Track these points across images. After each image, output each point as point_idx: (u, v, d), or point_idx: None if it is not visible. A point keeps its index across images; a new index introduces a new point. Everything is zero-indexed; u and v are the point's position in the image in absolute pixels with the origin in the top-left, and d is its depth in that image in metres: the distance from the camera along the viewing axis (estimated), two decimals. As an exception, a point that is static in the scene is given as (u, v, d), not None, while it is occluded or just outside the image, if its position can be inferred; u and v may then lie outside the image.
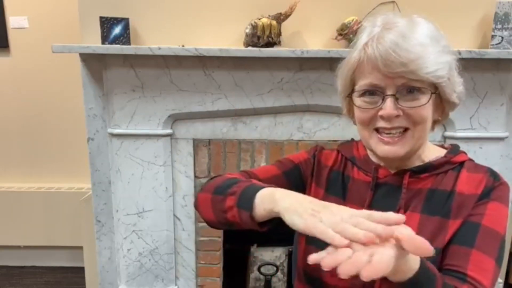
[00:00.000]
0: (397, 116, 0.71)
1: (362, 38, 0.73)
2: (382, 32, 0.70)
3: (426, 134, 0.76)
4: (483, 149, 1.71)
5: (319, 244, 0.78)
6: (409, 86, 0.70)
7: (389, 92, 0.71)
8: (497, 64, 1.62)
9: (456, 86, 0.75)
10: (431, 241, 0.71)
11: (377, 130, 0.74)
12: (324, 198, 0.84)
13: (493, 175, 0.77)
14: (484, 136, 1.70)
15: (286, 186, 0.85)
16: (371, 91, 0.73)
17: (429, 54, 0.69)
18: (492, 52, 1.56)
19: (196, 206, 0.83)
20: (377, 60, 0.69)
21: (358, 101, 0.75)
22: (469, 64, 1.61)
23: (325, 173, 0.88)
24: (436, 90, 0.73)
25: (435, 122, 0.80)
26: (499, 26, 1.60)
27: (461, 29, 1.67)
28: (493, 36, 1.62)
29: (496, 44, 1.62)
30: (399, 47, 0.67)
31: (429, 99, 0.71)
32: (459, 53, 1.52)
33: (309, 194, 0.85)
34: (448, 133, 1.71)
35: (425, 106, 0.71)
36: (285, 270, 1.93)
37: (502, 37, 1.61)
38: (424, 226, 0.74)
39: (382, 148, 0.74)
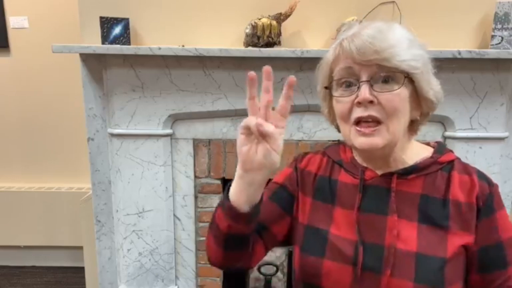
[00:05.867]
0: (372, 102, 0.71)
1: (341, 36, 0.75)
2: (359, 29, 0.73)
3: (401, 129, 0.75)
4: (483, 149, 1.71)
5: (313, 252, 0.80)
6: (383, 73, 0.71)
7: (364, 79, 0.72)
8: (497, 64, 1.62)
9: (432, 84, 0.76)
10: (434, 251, 0.72)
11: (356, 124, 0.74)
12: (312, 205, 0.85)
13: (484, 179, 0.78)
14: (484, 136, 1.70)
15: (277, 209, 0.86)
16: (348, 83, 0.74)
17: (403, 45, 0.71)
18: (492, 52, 1.56)
19: (207, 256, 0.83)
20: (352, 52, 0.71)
21: (336, 93, 0.76)
22: (469, 64, 1.61)
23: (310, 180, 0.87)
24: (410, 80, 0.73)
25: (414, 123, 0.79)
26: (499, 26, 1.60)
27: (461, 29, 1.67)
28: (493, 36, 1.62)
29: (496, 44, 1.62)
30: (374, 38, 0.70)
31: (401, 84, 0.71)
32: (459, 53, 1.53)
33: (297, 206, 0.87)
34: (448, 133, 1.71)
35: (399, 94, 0.71)
36: (285, 270, 1.93)
37: (502, 37, 1.61)
38: (424, 236, 0.74)
39: (360, 139, 0.74)
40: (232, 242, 0.75)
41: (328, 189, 0.84)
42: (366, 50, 0.70)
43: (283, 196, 0.87)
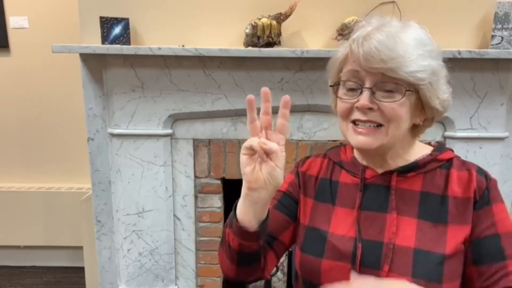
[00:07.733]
0: (371, 109, 0.73)
1: (354, 35, 0.75)
2: (372, 31, 0.72)
3: (401, 133, 0.76)
4: (483, 149, 1.71)
5: (312, 252, 0.81)
6: (387, 83, 0.72)
7: (366, 85, 0.73)
8: (497, 64, 1.62)
9: (439, 93, 0.75)
10: (433, 247, 0.73)
11: (354, 123, 0.76)
12: (313, 207, 0.86)
13: (482, 173, 0.78)
14: (484, 136, 1.70)
15: (283, 218, 0.87)
16: (353, 87, 0.75)
17: (411, 55, 0.70)
18: (492, 52, 1.56)
19: (222, 270, 0.85)
20: (359, 55, 0.71)
21: (340, 92, 0.78)
22: (469, 64, 1.61)
23: (312, 182, 0.89)
24: (413, 88, 0.73)
25: (416, 127, 0.80)
26: (499, 26, 1.60)
27: (461, 29, 1.67)
28: (493, 36, 1.61)
29: (496, 44, 1.62)
30: (382, 45, 0.69)
31: (403, 95, 0.72)
32: (459, 53, 1.53)
33: (299, 208, 0.88)
34: (448, 133, 1.71)
35: (400, 103, 0.72)
36: (285, 270, 1.93)
37: (502, 37, 1.61)
38: (423, 231, 0.75)
39: (355, 138, 0.76)
40: (245, 258, 0.77)
41: (329, 190, 0.86)
42: (372, 58, 0.70)
43: (287, 203, 0.89)
